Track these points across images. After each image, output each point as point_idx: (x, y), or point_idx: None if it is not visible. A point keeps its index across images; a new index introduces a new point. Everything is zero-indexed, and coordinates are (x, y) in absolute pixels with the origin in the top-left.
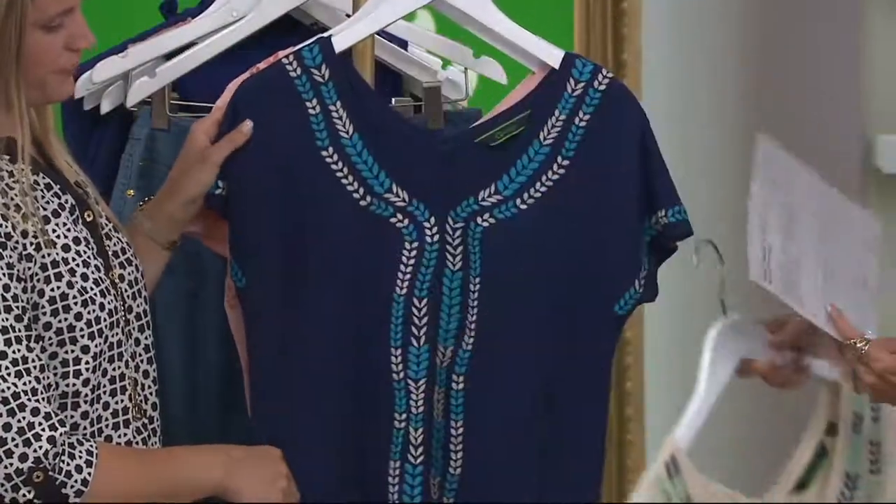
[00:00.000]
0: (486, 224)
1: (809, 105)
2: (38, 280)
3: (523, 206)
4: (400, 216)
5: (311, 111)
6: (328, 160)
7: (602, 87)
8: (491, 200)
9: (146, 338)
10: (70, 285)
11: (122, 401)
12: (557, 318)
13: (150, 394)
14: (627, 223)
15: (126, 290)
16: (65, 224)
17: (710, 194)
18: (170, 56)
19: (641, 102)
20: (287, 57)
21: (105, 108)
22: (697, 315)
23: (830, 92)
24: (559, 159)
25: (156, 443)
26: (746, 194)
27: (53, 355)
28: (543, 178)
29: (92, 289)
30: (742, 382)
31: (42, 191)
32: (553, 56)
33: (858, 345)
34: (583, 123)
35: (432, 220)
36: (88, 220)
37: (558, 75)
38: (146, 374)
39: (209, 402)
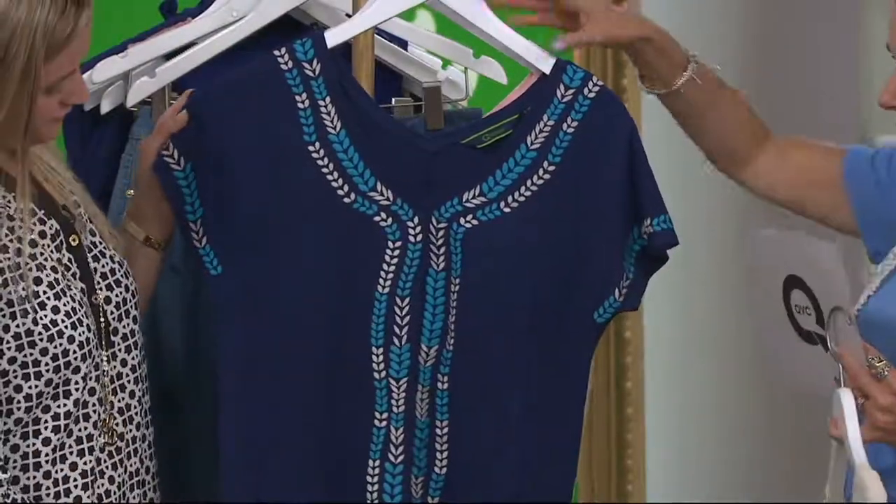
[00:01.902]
0: (468, 225)
1: (809, 105)
2: (4, 316)
3: (507, 210)
4: (384, 215)
5: (299, 105)
6: (314, 155)
7: (591, 95)
8: (475, 202)
9: (133, 358)
10: (36, 322)
11: (85, 427)
12: (536, 322)
13: (137, 413)
14: (610, 231)
15: (112, 313)
16: (42, 254)
17: (711, 194)
18: (170, 56)
19: (641, 103)
20: (279, 50)
21: (105, 108)
22: (697, 315)
23: (830, 92)
24: (545, 164)
25: (135, 463)
26: (747, 194)
27: (18, 388)
28: (528, 182)
29: (63, 321)
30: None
31: (25, 217)
32: (544, 61)
33: (878, 364)
34: (570, 130)
35: (416, 219)
36: (74, 244)
37: (549, 81)
38: (132, 395)
39: (210, 401)
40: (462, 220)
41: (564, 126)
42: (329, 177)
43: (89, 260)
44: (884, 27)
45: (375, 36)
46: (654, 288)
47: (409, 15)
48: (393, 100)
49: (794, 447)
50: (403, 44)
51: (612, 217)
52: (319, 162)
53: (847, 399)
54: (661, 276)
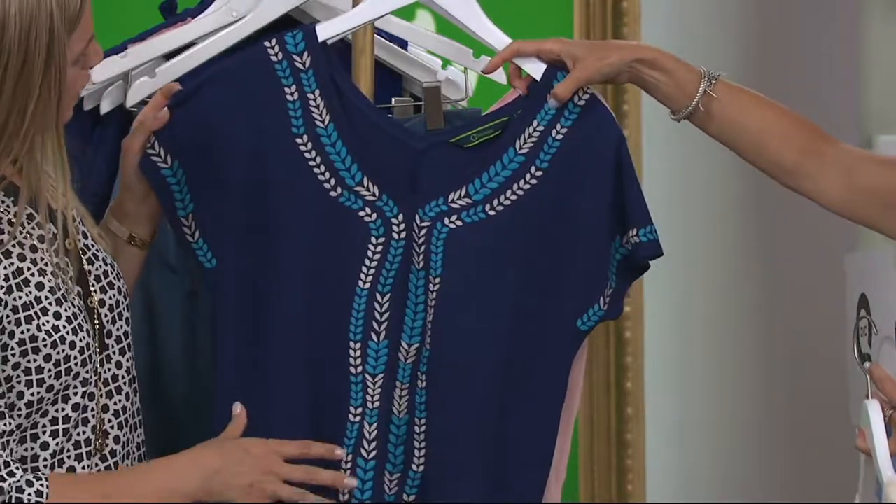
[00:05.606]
0: (452, 226)
1: (809, 105)
2: (10, 322)
3: (492, 213)
4: (368, 210)
5: (288, 97)
6: (302, 148)
7: (581, 103)
8: (460, 203)
9: (127, 360)
10: (39, 328)
11: (84, 432)
12: (517, 327)
13: (131, 416)
14: (596, 239)
15: (106, 315)
16: (42, 259)
17: (711, 196)
18: (170, 56)
19: (641, 103)
20: (269, 41)
21: (105, 108)
22: (697, 315)
23: (830, 92)
24: (532, 169)
25: (128, 465)
26: (747, 196)
27: (20, 395)
28: (515, 186)
29: (64, 327)
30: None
31: (24, 222)
32: (535, 67)
33: None
34: (559, 136)
35: (400, 216)
36: (69, 247)
37: (539, 86)
38: (127, 397)
39: (209, 401)
40: (446, 221)
41: (553, 132)
42: (316, 170)
43: (84, 263)
44: (883, 27)
45: (375, 36)
46: (654, 288)
47: (408, 14)
48: (393, 100)
49: (794, 447)
50: (403, 44)
51: (598, 225)
52: (307, 155)
53: (875, 410)
54: (661, 277)
